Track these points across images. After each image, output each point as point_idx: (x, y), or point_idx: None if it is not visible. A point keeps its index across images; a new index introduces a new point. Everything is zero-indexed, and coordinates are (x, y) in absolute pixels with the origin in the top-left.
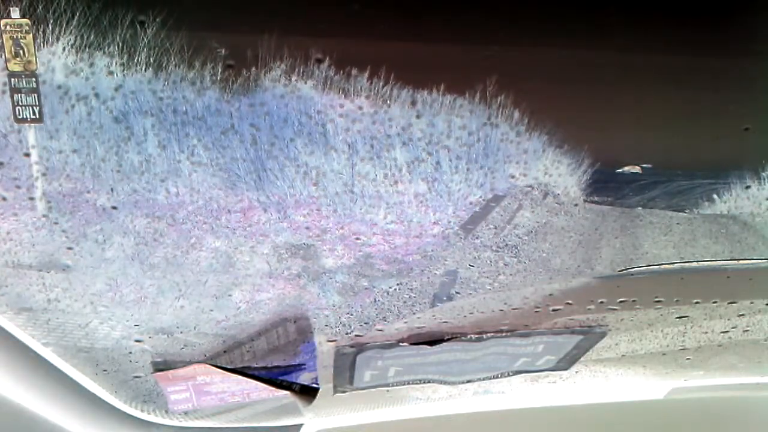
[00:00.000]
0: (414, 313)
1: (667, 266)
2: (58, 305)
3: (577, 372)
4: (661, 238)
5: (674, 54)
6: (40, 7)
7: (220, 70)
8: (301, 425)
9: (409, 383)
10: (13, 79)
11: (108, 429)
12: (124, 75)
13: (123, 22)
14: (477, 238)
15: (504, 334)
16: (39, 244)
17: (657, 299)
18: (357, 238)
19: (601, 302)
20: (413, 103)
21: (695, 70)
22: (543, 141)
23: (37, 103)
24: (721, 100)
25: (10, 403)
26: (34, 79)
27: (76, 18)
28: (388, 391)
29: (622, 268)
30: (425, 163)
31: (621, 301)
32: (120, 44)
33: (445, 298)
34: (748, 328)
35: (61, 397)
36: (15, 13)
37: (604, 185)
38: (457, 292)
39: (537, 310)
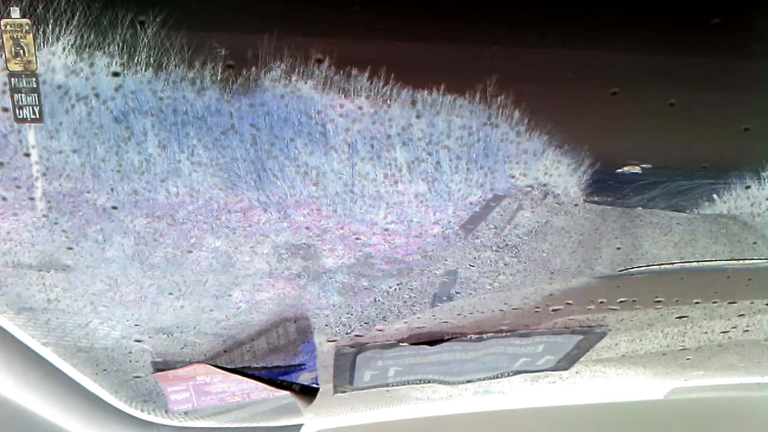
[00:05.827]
0: (414, 313)
1: (667, 266)
2: (58, 305)
3: (577, 372)
4: (661, 238)
5: (674, 55)
6: (40, 7)
7: (220, 70)
8: (301, 425)
9: (409, 383)
10: (13, 79)
11: (108, 429)
12: (124, 75)
13: (123, 22)
14: (477, 238)
15: (504, 334)
16: (39, 244)
17: (657, 299)
18: (357, 238)
19: (601, 302)
20: (413, 103)
21: (695, 70)
22: (543, 141)
23: (37, 103)
24: (721, 100)
25: (10, 403)
26: (34, 79)
27: (76, 18)
28: (388, 391)
29: (622, 268)
30: (425, 163)
31: (621, 301)
32: (120, 44)
33: (445, 298)
34: (748, 328)
35: (61, 397)
36: (15, 13)
37: (604, 185)
38: (457, 292)
39: (537, 310)
